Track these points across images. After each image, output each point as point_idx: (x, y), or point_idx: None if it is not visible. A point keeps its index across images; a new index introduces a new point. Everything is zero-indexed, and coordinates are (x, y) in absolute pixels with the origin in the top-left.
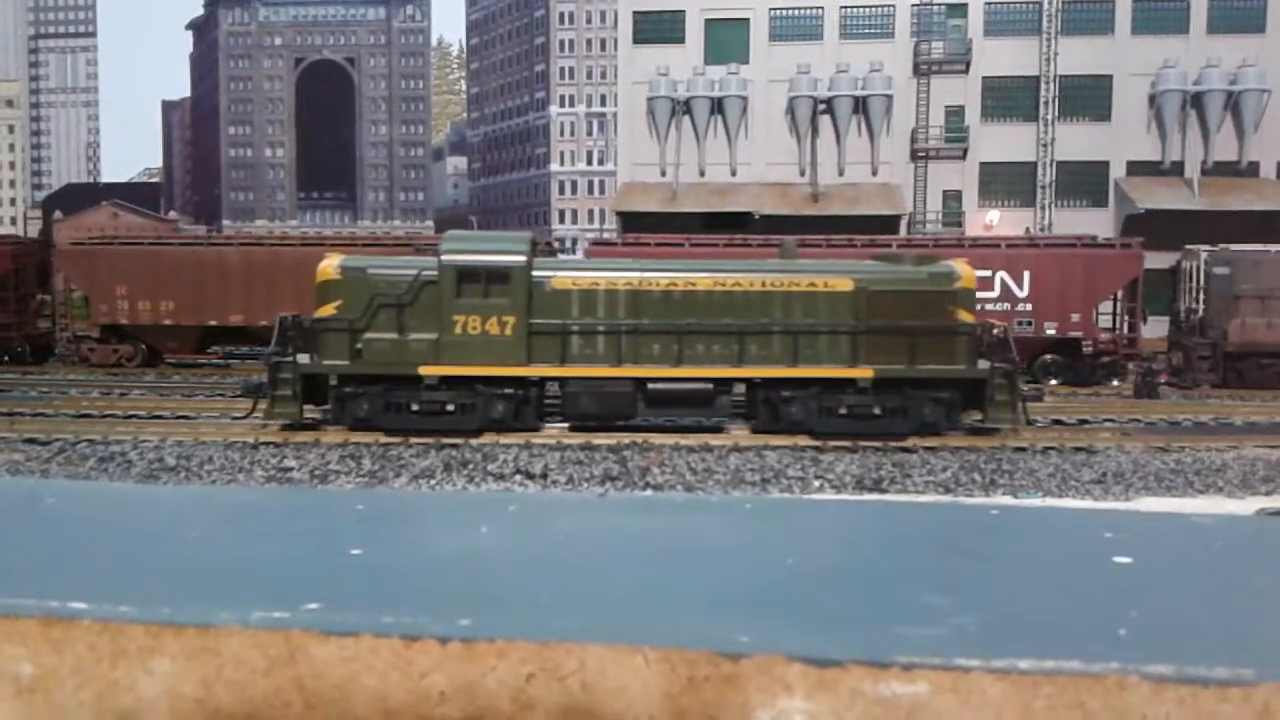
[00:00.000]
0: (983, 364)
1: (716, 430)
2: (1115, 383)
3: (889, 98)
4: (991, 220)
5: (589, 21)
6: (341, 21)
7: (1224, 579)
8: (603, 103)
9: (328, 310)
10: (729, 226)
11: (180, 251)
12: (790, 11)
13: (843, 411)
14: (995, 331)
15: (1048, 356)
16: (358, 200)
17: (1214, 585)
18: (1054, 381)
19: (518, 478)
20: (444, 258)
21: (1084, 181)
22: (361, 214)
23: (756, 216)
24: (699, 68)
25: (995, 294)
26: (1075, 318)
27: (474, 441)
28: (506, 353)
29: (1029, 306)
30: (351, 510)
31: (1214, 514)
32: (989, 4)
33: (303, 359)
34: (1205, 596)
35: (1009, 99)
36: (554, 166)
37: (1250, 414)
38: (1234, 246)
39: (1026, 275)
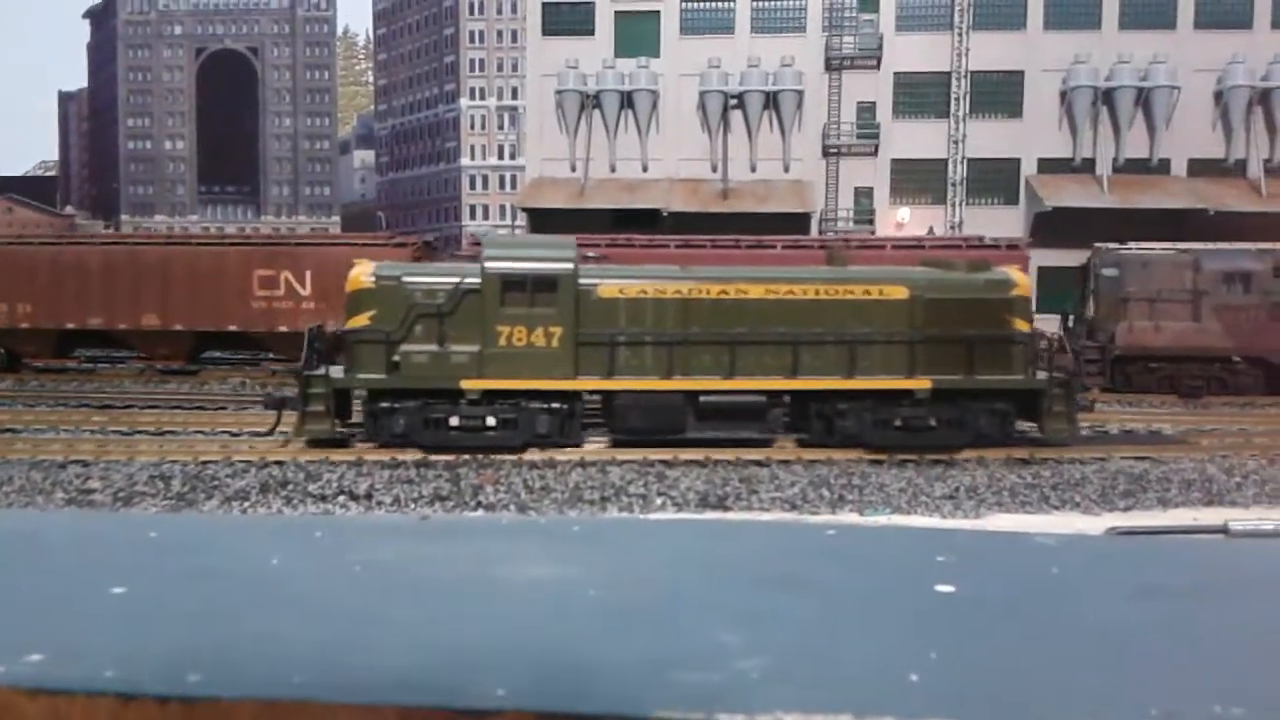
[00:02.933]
0: (1040, 374)
1: (765, 444)
2: None
3: (800, 93)
4: (902, 218)
5: (499, 12)
6: (244, 10)
7: (1057, 608)
8: (514, 96)
9: (360, 321)
10: (639, 224)
11: (36, 251)
12: (702, 5)
13: (898, 424)
14: (1052, 340)
15: None
16: (261, 194)
17: (1043, 616)
18: None
19: (341, 498)
20: (488, 266)
21: (995, 179)
22: (265, 209)
23: (664, 213)
24: (609, 61)
25: None
26: None
27: (301, 459)
28: (553, 365)
29: None
30: (139, 539)
31: (1060, 533)
32: None
33: (333, 372)
34: (1030, 631)
35: (921, 95)
36: (464, 161)
37: (1128, 421)
38: (1126, 246)
39: None
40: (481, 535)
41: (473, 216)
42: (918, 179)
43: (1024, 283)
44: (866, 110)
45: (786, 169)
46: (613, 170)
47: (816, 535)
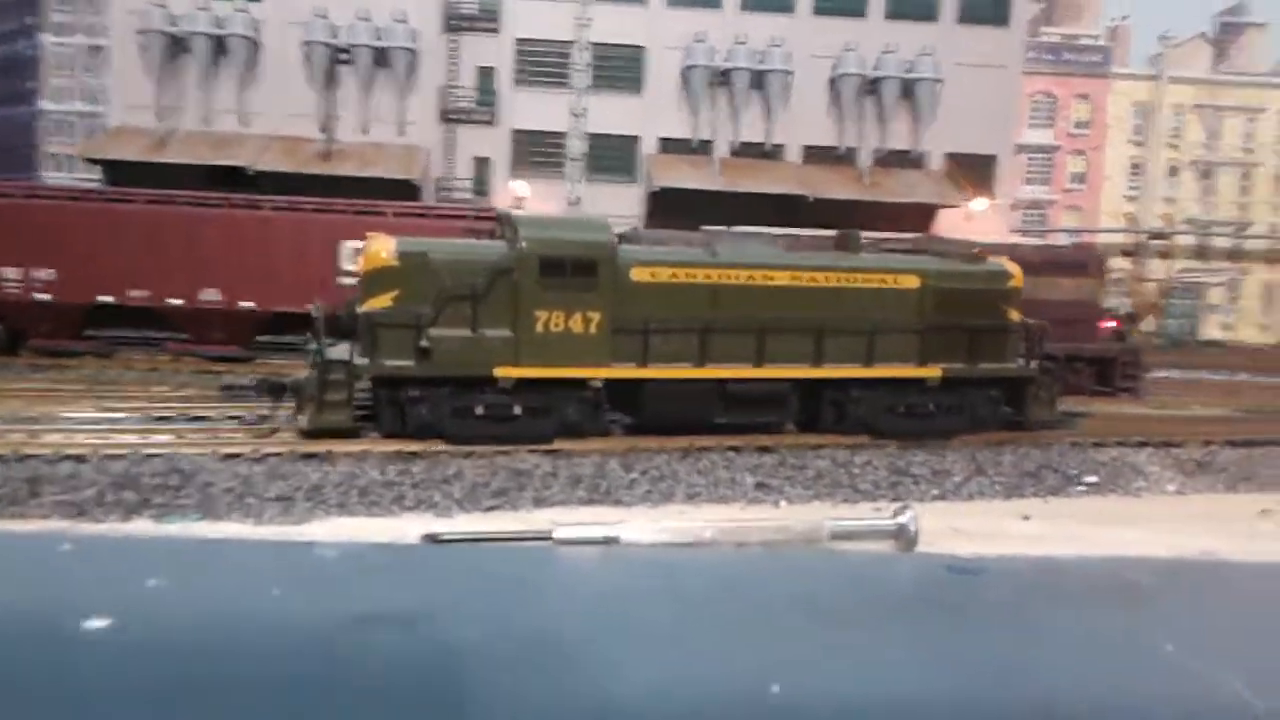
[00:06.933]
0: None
1: (777, 430)
2: None
3: (413, 52)
4: (519, 191)
5: None
6: None
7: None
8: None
9: (382, 302)
10: (230, 183)
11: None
12: None
13: (901, 410)
14: (1035, 330)
15: None
16: None
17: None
18: None
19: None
20: (525, 244)
21: (617, 155)
22: None
23: (250, 172)
24: (202, 1)
25: None
26: None
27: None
28: (590, 352)
29: None
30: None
31: (370, 542)
32: None
33: (336, 352)
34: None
35: (542, 64)
36: (45, 104)
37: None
38: (740, 231)
39: None
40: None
41: (58, 168)
42: (538, 151)
43: (1018, 274)
44: (487, 76)
45: (401, 132)
46: (206, 124)
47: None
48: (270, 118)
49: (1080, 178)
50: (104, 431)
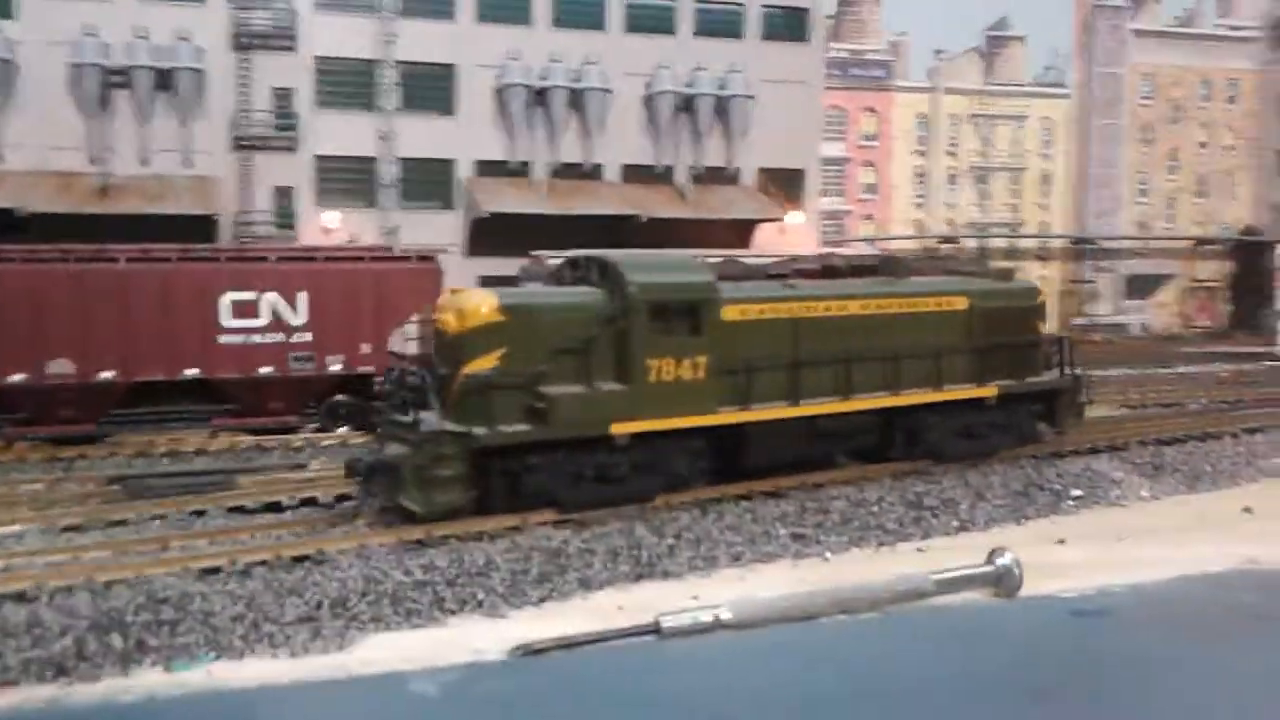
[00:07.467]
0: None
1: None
2: None
3: (199, 73)
4: (330, 222)
5: None
6: None
7: None
8: None
9: (488, 362)
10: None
11: None
12: None
13: (963, 432)
14: (1068, 342)
15: (337, 397)
16: None
17: None
18: (344, 429)
19: None
20: (635, 289)
21: (431, 181)
22: None
23: (20, 214)
24: None
25: (263, 321)
26: (366, 349)
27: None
28: (699, 399)
29: (308, 336)
30: None
31: (456, 664)
32: None
33: (430, 421)
34: None
35: (346, 85)
36: None
37: None
38: (559, 256)
39: (303, 297)
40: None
41: None
42: (346, 179)
43: (1044, 291)
44: (284, 98)
45: (189, 163)
46: None
47: None
48: (31, 150)
49: (872, 188)
50: (20, 555)
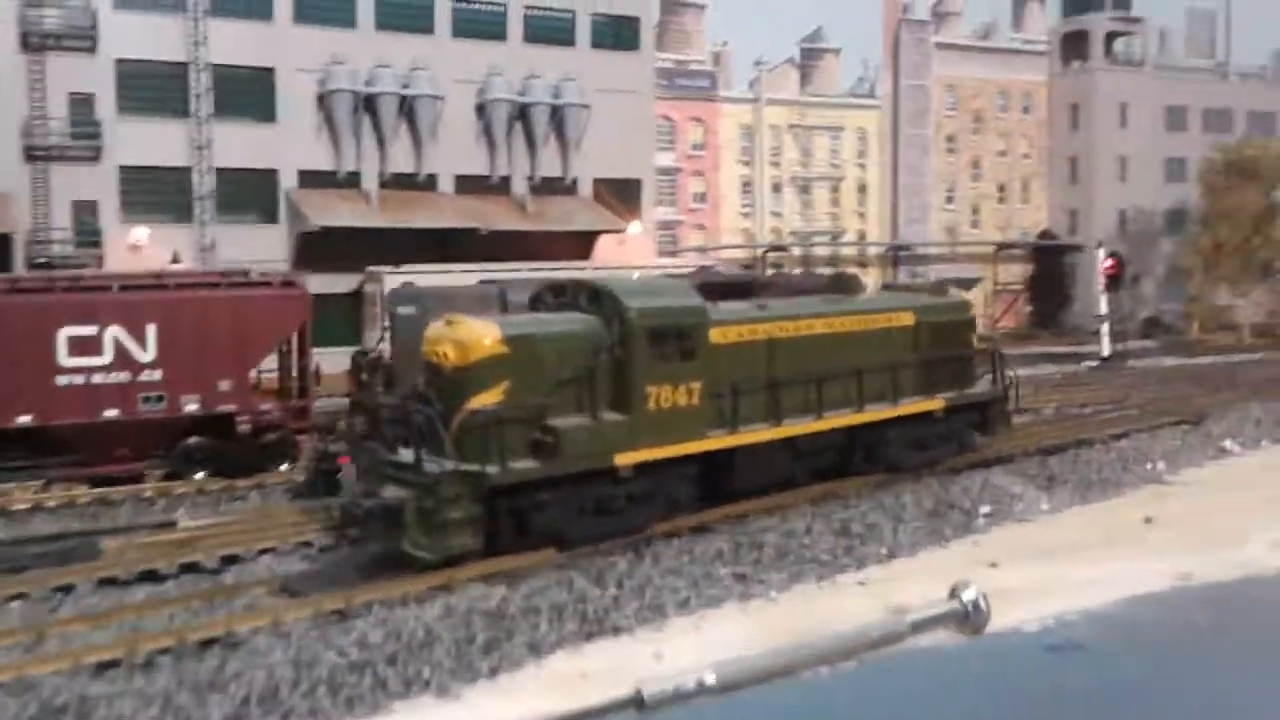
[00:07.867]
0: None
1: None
2: (285, 468)
3: None
4: (139, 239)
5: None
6: None
7: None
8: None
9: (493, 396)
10: None
11: None
12: None
13: (914, 443)
14: (998, 353)
15: (192, 440)
16: None
17: None
18: (200, 475)
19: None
20: (633, 315)
21: (251, 193)
22: None
23: None
24: None
25: (107, 359)
26: (225, 385)
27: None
28: (693, 424)
29: (158, 374)
30: None
31: None
32: None
33: (432, 463)
34: None
35: (153, 89)
36: None
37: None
38: (401, 270)
39: (152, 330)
40: None
41: None
42: (156, 191)
43: (974, 304)
44: (84, 104)
45: None
46: None
47: None
48: None
49: (701, 197)
50: None
